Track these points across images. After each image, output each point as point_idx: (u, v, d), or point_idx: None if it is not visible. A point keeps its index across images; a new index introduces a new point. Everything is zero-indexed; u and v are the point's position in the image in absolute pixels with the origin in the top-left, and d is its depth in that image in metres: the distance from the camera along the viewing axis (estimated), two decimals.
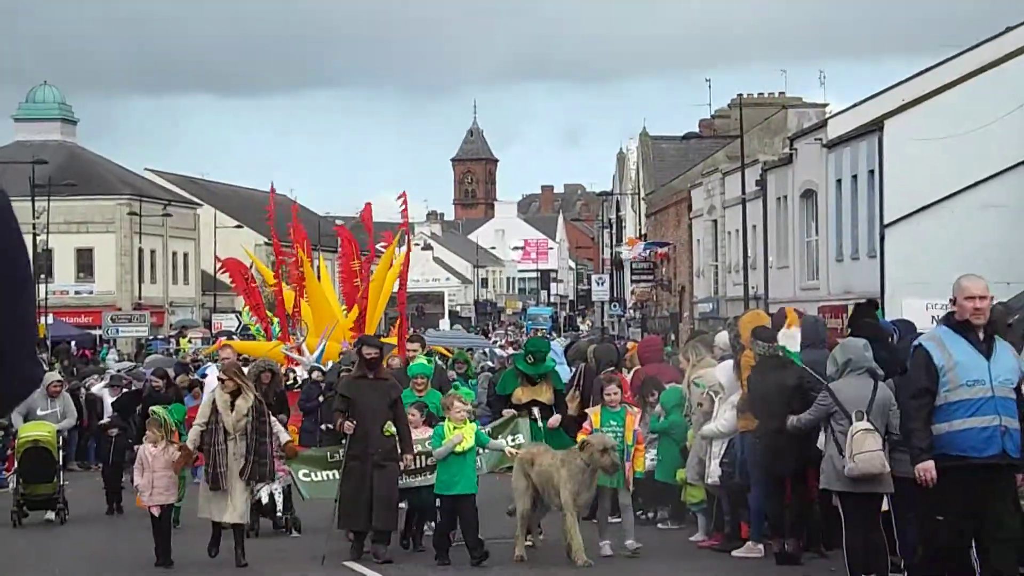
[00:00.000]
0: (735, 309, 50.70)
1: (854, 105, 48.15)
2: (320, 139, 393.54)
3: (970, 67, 42.02)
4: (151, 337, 69.43)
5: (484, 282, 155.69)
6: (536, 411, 17.30)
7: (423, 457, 16.64)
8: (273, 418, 16.86)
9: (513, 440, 16.93)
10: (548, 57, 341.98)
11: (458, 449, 15.71)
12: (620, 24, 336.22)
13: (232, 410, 16.05)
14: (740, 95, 74.31)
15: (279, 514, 18.45)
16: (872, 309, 15.94)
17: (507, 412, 17.65)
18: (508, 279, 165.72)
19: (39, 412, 21.82)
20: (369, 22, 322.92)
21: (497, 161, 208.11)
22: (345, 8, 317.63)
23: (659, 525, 18.24)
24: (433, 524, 17.32)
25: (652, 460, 17.64)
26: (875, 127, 41.69)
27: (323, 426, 18.27)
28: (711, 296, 63.25)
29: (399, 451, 16.35)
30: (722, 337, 18.47)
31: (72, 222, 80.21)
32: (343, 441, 16.81)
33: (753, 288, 50.27)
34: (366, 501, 16.07)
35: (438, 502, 16.27)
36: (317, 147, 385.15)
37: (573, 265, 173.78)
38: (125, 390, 28.00)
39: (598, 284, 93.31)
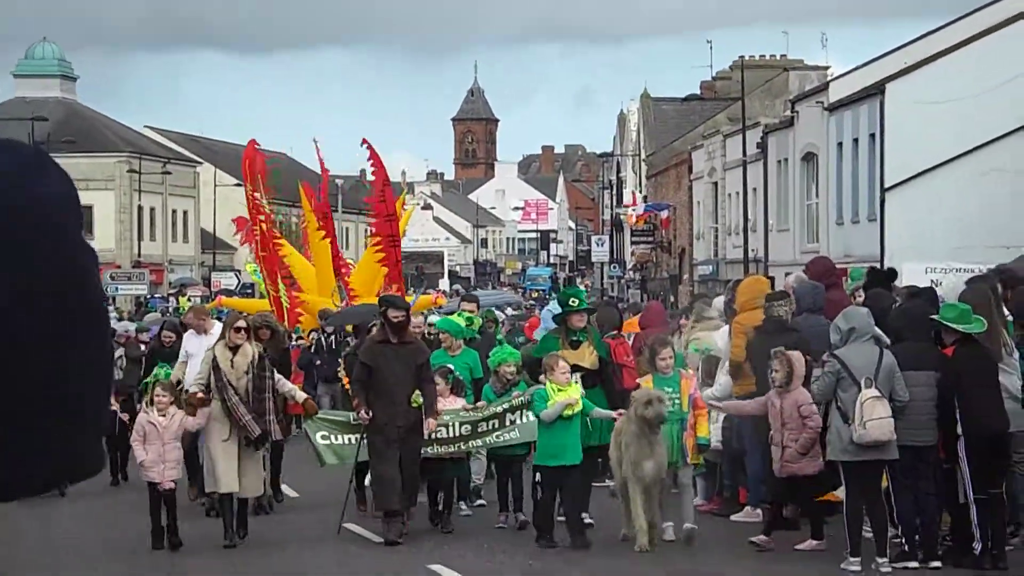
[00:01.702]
0: (735, 272, 50.66)
1: (856, 68, 48.00)
2: (321, 97, 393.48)
3: (973, 31, 41.86)
4: (150, 295, 69.37)
5: (484, 242, 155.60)
6: (577, 377, 15.19)
7: (449, 427, 15.60)
8: (279, 375, 15.76)
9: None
10: (550, 19, 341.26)
11: (567, 413, 14.36)
12: None
13: (232, 367, 15.10)
14: (741, 57, 73.97)
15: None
16: (887, 279, 15.86)
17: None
18: (508, 239, 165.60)
19: None
20: None
21: (498, 121, 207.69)
22: None
23: None
24: (462, 502, 16.59)
25: None
26: (877, 90, 41.58)
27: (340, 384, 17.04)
28: (711, 258, 63.22)
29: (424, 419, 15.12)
30: (718, 302, 18.40)
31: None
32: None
33: (753, 251, 50.23)
34: (394, 479, 14.89)
35: (538, 476, 14.88)
36: (318, 105, 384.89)
37: (573, 226, 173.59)
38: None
39: (598, 245, 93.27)
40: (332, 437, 15.85)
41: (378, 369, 15.03)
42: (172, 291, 75.68)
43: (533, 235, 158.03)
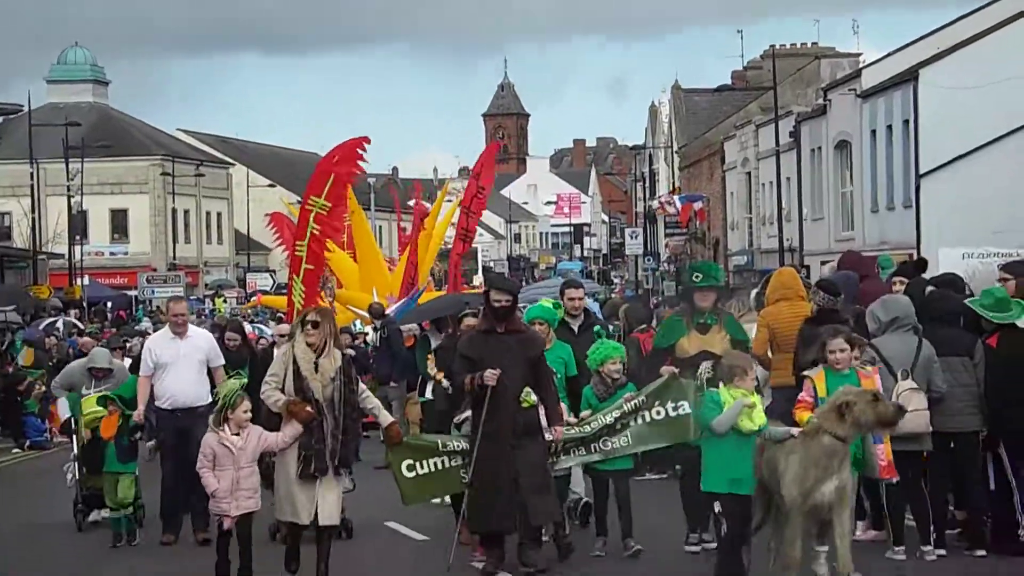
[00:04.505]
0: (770, 261, 50.51)
1: (888, 55, 47.80)
2: (351, 96, 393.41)
3: (1007, 14, 41.61)
4: (186, 297, 69.64)
5: (517, 237, 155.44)
6: (707, 366, 12.65)
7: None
8: (364, 388, 12.48)
9: (676, 411, 13.05)
10: (577, 12, 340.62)
11: (746, 425, 11.30)
12: None
13: (317, 372, 12.00)
14: (772, 46, 73.86)
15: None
16: (918, 269, 15.75)
17: (665, 370, 13.11)
18: (541, 234, 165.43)
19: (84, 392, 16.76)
20: None
21: (528, 116, 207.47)
22: None
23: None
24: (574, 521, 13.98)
25: None
26: (910, 76, 41.39)
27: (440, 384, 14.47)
28: (745, 248, 63.05)
29: (545, 424, 12.64)
30: (753, 294, 18.24)
31: (106, 183, 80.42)
32: (456, 426, 13.06)
33: (788, 240, 50.04)
34: (503, 495, 12.32)
35: (718, 506, 11.41)
36: (348, 104, 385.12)
37: (606, 219, 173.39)
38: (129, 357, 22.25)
39: (631, 238, 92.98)
40: (419, 465, 12.90)
41: (482, 364, 12.44)
42: (208, 293, 75.92)
43: (566, 229, 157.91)
